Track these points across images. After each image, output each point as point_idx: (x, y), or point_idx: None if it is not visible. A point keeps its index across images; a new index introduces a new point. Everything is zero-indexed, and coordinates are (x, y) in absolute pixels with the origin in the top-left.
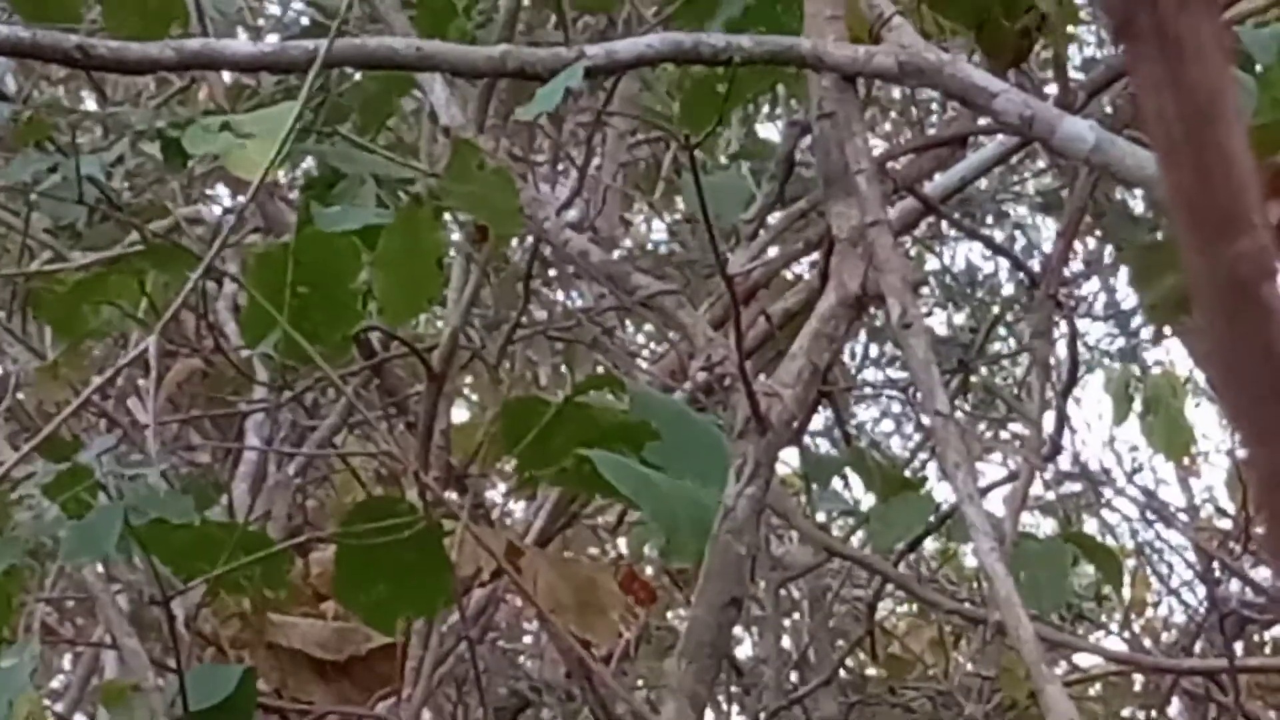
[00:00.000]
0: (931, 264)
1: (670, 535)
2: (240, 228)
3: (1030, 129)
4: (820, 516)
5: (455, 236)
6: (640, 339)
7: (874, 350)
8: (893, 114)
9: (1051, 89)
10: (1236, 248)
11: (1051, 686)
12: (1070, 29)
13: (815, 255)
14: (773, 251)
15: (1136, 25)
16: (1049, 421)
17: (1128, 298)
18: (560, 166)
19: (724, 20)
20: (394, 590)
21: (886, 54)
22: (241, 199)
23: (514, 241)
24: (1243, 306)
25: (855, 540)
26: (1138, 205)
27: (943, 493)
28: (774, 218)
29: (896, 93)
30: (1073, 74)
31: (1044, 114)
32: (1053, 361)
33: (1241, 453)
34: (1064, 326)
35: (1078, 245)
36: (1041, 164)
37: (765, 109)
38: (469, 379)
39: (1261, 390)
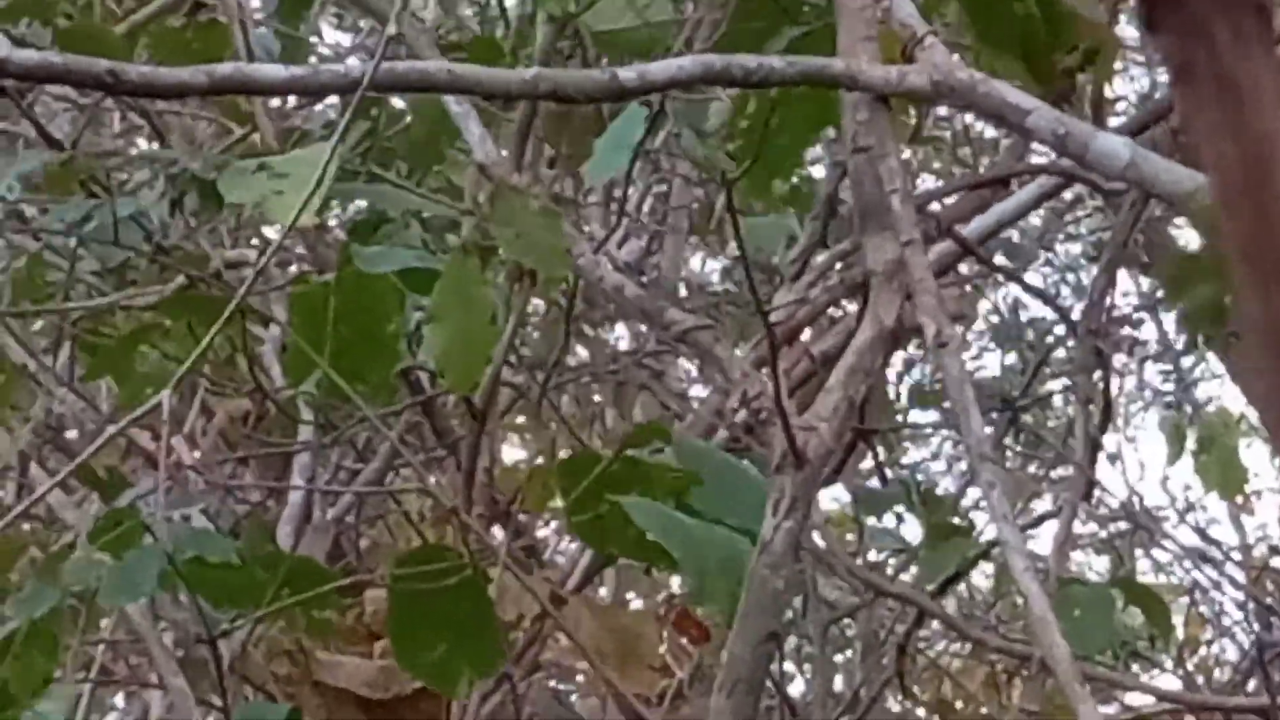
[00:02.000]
0: (982, 306)
1: (700, 578)
2: (268, 271)
3: (1064, 146)
4: (873, 555)
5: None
6: (688, 378)
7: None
8: (944, 153)
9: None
10: None
11: (1085, 707)
12: (1117, 66)
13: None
14: (816, 292)
15: (1195, 69)
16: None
17: (1180, 339)
18: (612, 206)
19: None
20: (451, 651)
21: (920, 73)
22: (290, 241)
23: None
24: None
25: (906, 578)
26: (1188, 243)
27: (990, 534)
28: (819, 259)
29: (949, 133)
30: (1119, 117)
31: (1078, 131)
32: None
33: None
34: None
35: (1130, 286)
36: (1091, 206)
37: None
38: (521, 419)
39: None
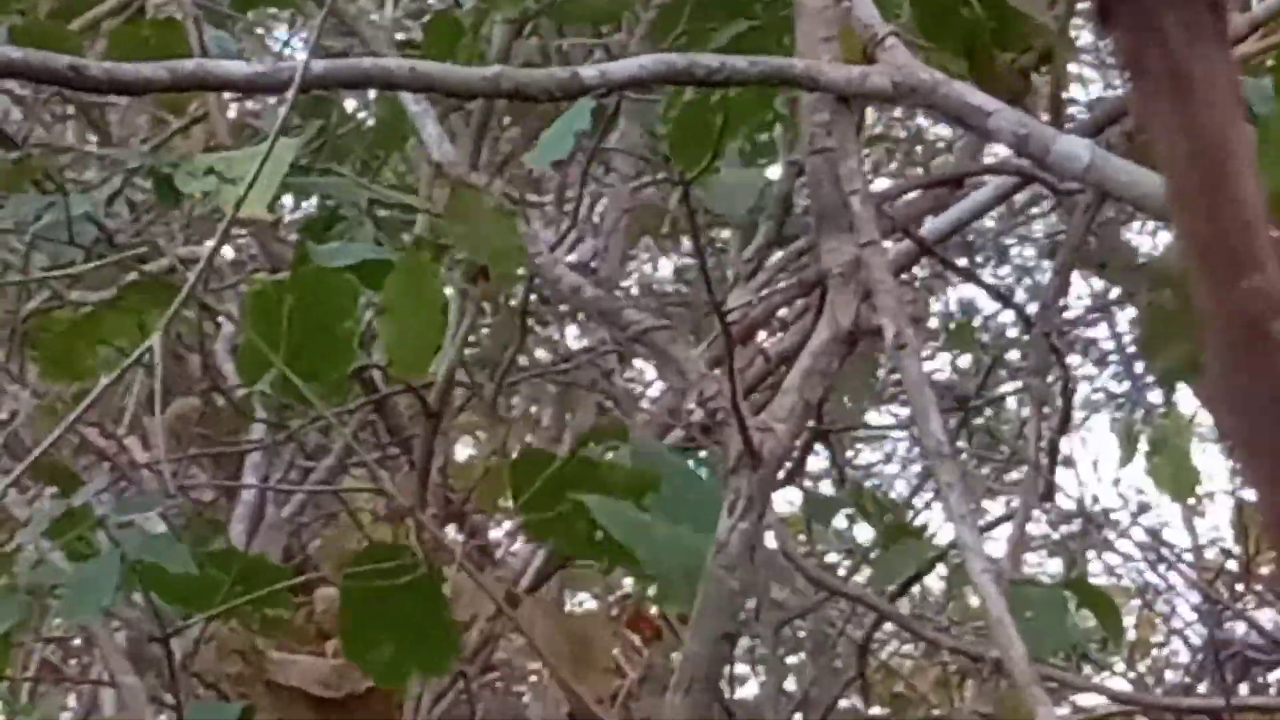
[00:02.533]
0: (935, 308)
1: (662, 581)
2: (222, 269)
3: (1026, 147)
4: (825, 559)
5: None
6: (641, 379)
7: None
8: (898, 155)
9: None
10: (1247, 285)
11: (1044, 709)
12: (1073, 70)
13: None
14: (770, 292)
15: (1147, 63)
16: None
17: (1132, 340)
18: (566, 207)
19: (713, 49)
20: (402, 649)
21: (881, 74)
22: (245, 237)
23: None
24: (1253, 343)
25: (859, 580)
26: (1142, 246)
27: (944, 537)
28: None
29: (903, 132)
30: (1077, 115)
31: (1039, 132)
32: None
33: (1249, 491)
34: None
35: (1084, 288)
36: (1047, 206)
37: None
38: (473, 417)
39: (1271, 427)
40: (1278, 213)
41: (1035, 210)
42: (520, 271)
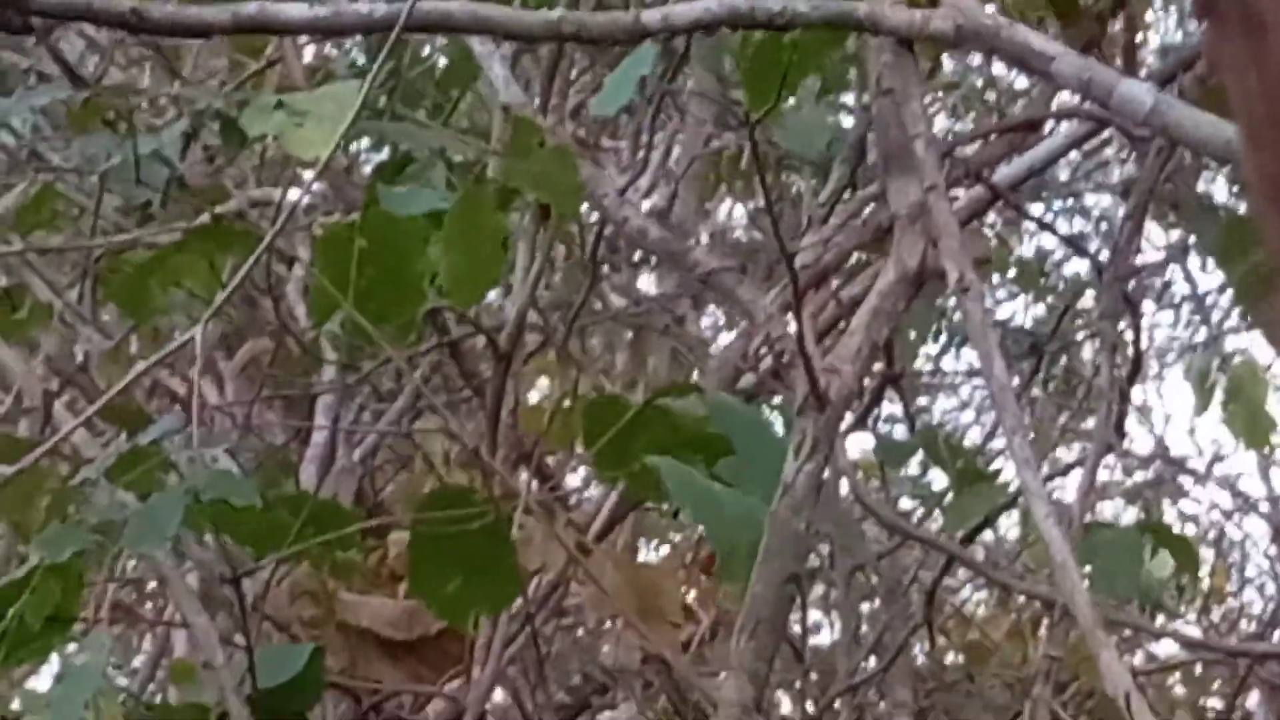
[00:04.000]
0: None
1: (725, 556)
2: (311, 211)
3: (1089, 91)
4: (898, 506)
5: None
6: (716, 326)
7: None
8: (975, 103)
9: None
10: None
11: (1107, 652)
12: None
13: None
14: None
15: (1219, 4)
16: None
17: (1207, 287)
18: (639, 153)
19: None
20: (466, 584)
21: (944, 18)
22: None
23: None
24: None
25: (931, 527)
26: (1218, 193)
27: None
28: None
29: (980, 81)
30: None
31: (1102, 76)
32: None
33: None
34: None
35: (1159, 235)
36: (1124, 154)
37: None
38: (547, 360)
39: None
40: None
41: (1109, 153)
42: (591, 215)
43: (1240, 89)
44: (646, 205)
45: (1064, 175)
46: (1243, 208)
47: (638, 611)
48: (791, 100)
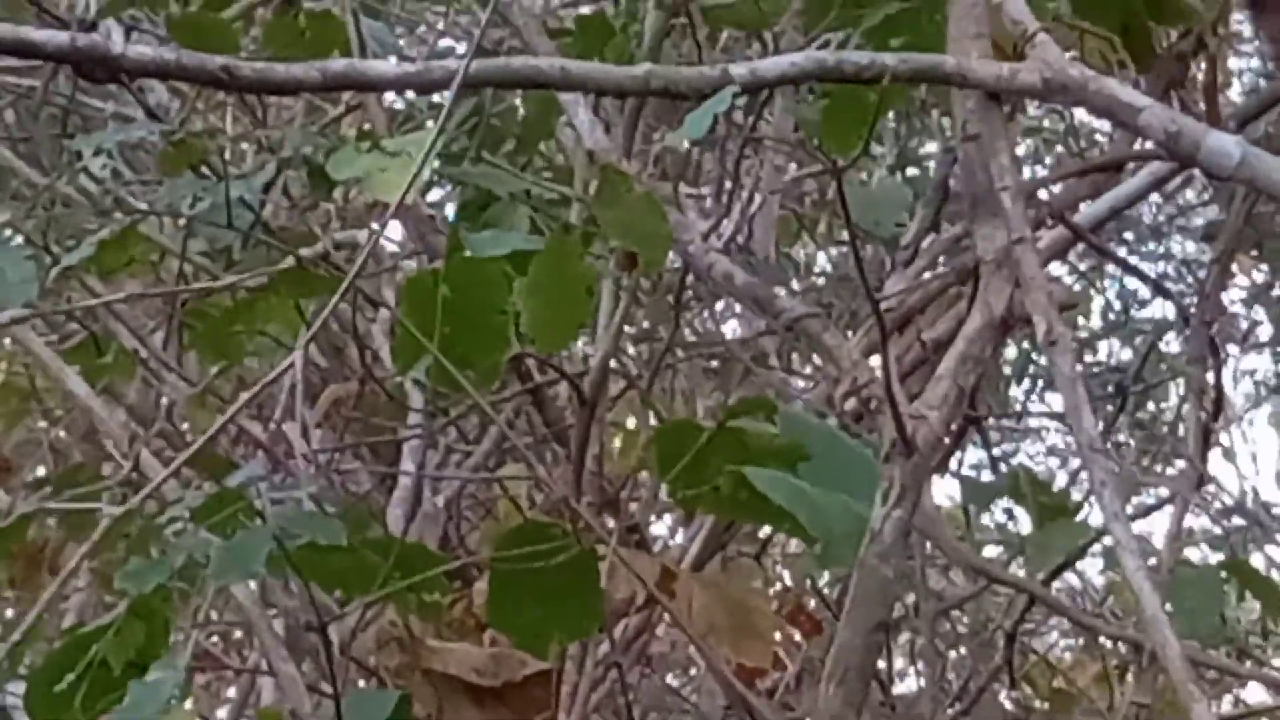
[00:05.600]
0: (1096, 299)
1: (825, 542)
2: (378, 254)
3: (1176, 145)
4: (983, 553)
5: (604, 263)
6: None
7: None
8: (1057, 147)
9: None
10: None
11: (1198, 706)
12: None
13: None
14: (927, 278)
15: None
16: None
17: None
18: (722, 199)
19: (864, 30)
20: (546, 613)
21: (1031, 71)
22: (397, 225)
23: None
24: None
25: (1015, 570)
26: None
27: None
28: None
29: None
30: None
31: (1189, 130)
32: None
33: None
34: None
35: (1243, 278)
36: (1206, 196)
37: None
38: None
39: None
40: None
41: (1191, 197)
42: (674, 261)
43: None
44: (729, 251)
45: (1146, 219)
46: None
47: (729, 631)
48: (864, 175)
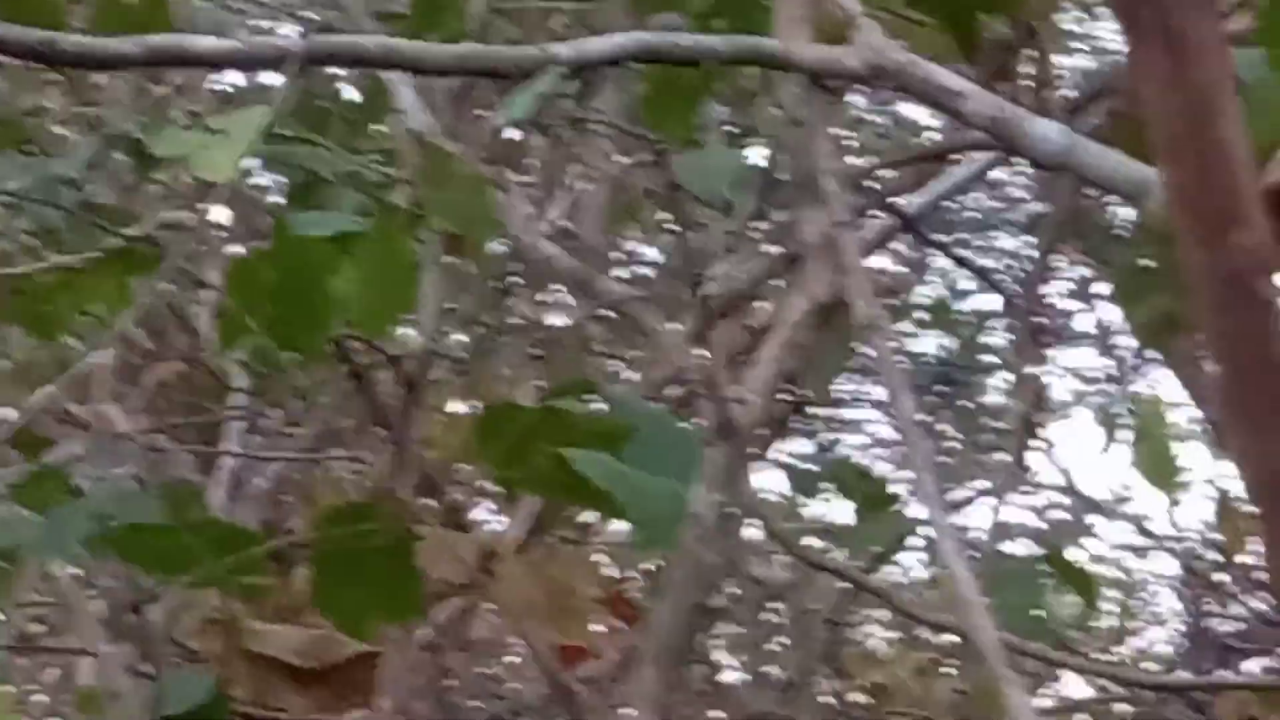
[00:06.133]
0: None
1: (645, 527)
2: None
3: (1001, 131)
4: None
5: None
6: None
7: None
8: (887, 138)
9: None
10: (1234, 241)
11: (1014, 690)
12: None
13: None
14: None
15: (1140, 20)
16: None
17: (1116, 324)
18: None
19: (694, 13)
20: (366, 595)
21: (854, 55)
22: (227, 207)
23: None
24: (1239, 300)
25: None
26: (1123, 228)
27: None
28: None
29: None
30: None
31: (1014, 115)
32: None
33: (1237, 451)
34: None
35: (1069, 272)
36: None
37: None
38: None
39: (1258, 384)
40: (1261, 169)
41: (1021, 193)
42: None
43: (1160, 106)
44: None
45: (973, 213)
46: (1144, 249)
47: (549, 610)
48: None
